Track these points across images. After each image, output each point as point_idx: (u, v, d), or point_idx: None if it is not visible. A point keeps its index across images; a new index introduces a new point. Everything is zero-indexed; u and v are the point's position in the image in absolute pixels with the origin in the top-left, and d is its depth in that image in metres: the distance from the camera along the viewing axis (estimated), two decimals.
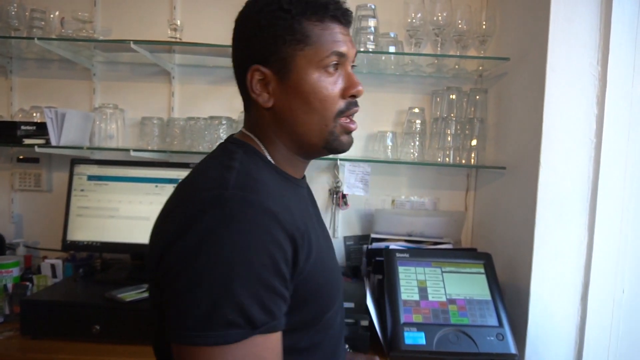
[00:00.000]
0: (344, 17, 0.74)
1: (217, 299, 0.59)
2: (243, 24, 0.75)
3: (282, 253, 0.64)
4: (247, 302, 0.59)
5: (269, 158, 0.77)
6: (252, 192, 0.65)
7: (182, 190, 0.71)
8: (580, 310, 1.32)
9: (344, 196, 1.79)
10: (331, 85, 0.73)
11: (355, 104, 0.77)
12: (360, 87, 0.75)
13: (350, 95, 0.75)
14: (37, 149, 1.56)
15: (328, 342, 0.78)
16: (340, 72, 0.75)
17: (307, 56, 0.71)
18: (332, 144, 0.76)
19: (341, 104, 0.75)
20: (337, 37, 0.73)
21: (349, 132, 0.77)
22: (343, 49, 0.73)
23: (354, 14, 1.60)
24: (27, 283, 1.47)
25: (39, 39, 1.54)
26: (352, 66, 0.78)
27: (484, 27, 1.63)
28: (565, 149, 1.30)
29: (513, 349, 1.25)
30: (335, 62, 0.73)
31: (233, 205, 0.62)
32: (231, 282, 0.59)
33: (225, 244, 0.60)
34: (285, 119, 0.75)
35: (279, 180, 0.75)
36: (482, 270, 1.42)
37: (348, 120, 0.76)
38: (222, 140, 0.82)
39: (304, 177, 0.86)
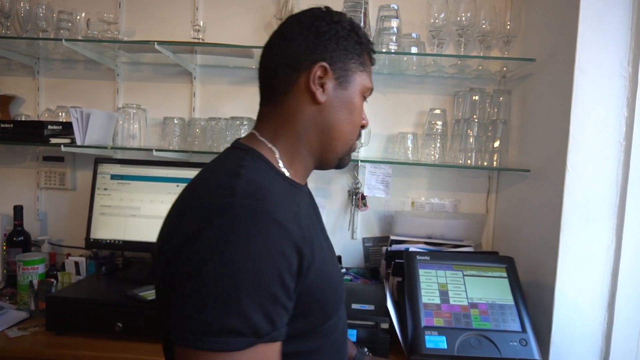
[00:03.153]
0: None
1: (223, 307, 0.60)
2: (317, 25, 0.79)
3: (287, 264, 0.64)
4: (252, 311, 0.60)
5: (278, 163, 0.78)
6: (260, 201, 0.66)
7: (189, 195, 0.72)
8: (607, 317, 1.29)
9: (363, 197, 1.78)
10: (361, 111, 0.85)
11: (361, 134, 0.90)
12: (366, 120, 0.88)
13: (361, 126, 0.87)
14: (63, 149, 1.59)
15: (330, 346, 0.78)
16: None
17: (362, 80, 0.83)
18: (344, 159, 0.86)
19: (359, 129, 0.86)
20: (371, 78, 0.86)
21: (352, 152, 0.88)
22: (372, 88, 0.87)
23: (377, 15, 1.61)
24: (52, 280, 1.50)
25: (66, 40, 1.57)
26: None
27: (508, 27, 1.60)
28: (593, 151, 1.27)
29: (537, 355, 1.22)
30: (367, 95, 0.86)
31: (241, 214, 0.63)
32: (237, 291, 0.60)
33: (233, 252, 0.61)
34: (328, 119, 0.80)
35: (286, 187, 0.77)
36: (505, 274, 1.40)
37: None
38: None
39: (305, 183, 0.89)
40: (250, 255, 0.61)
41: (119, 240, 1.60)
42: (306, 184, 0.89)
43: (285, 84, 0.79)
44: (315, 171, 0.87)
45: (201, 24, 1.69)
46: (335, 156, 0.84)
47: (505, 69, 1.68)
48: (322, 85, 0.78)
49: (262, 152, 0.77)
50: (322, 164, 0.85)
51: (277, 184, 0.74)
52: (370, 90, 0.85)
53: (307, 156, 0.82)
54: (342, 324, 0.85)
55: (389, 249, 1.66)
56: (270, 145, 0.79)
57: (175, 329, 0.62)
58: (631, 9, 1.24)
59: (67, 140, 1.65)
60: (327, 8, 0.83)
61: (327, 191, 1.83)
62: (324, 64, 0.77)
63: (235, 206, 0.64)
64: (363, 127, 0.87)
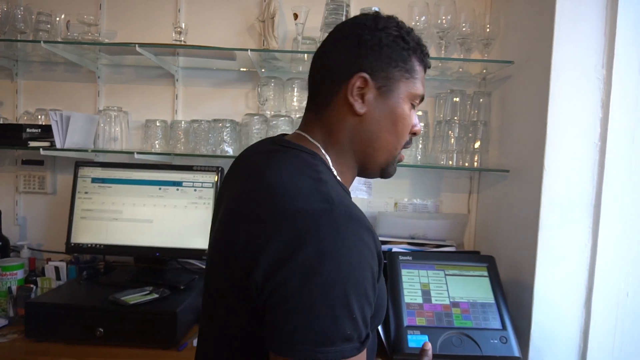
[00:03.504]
0: (426, 70, 0.85)
1: (338, 315, 0.60)
2: (359, 33, 0.78)
3: (376, 267, 0.66)
4: (358, 316, 0.62)
5: (333, 171, 0.78)
6: (352, 208, 0.67)
7: (267, 200, 0.68)
8: (585, 314, 1.32)
9: None
10: (410, 119, 0.81)
11: (411, 141, 0.86)
12: (418, 127, 0.84)
13: (411, 132, 0.84)
14: (42, 152, 1.57)
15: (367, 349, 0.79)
16: (413, 111, 0.84)
17: (408, 87, 0.79)
18: (388, 169, 0.84)
19: (408, 137, 0.83)
20: (423, 84, 0.82)
21: (398, 162, 0.86)
22: (423, 95, 0.84)
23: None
24: (32, 285, 1.48)
25: (45, 42, 1.55)
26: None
27: (487, 30, 1.63)
28: (569, 152, 1.30)
29: (517, 352, 1.25)
30: (417, 103, 0.83)
31: (342, 221, 0.64)
32: (348, 298, 0.61)
33: (342, 260, 0.61)
34: (370, 129, 0.79)
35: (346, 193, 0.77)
36: (486, 273, 1.42)
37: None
38: (262, 140, 0.86)
39: None
40: (354, 262, 0.62)
41: (100, 245, 1.59)
42: None
43: (327, 94, 0.79)
44: None
45: (183, 26, 1.68)
46: (377, 166, 0.83)
47: (485, 70, 1.71)
48: (361, 97, 0.77)
49: (321, 157, 0.78)
50: (364, 173, 0.85)
51: (342, 189, 0.75)
52: (420, 97, 0.82)
53: (354, 166, 0.82)
54: None
55: None
56: (324, 152, 0.79)
57: (286, 342, 0.60)
58: (605, 13, 1.27)
59: (46, 144, 1.63)
60: (376, 13, 0.81)
61: None
62: (364, 74, 0.76)
63: (336, 213, 0.64)
64: (415, 134, 0.84)
